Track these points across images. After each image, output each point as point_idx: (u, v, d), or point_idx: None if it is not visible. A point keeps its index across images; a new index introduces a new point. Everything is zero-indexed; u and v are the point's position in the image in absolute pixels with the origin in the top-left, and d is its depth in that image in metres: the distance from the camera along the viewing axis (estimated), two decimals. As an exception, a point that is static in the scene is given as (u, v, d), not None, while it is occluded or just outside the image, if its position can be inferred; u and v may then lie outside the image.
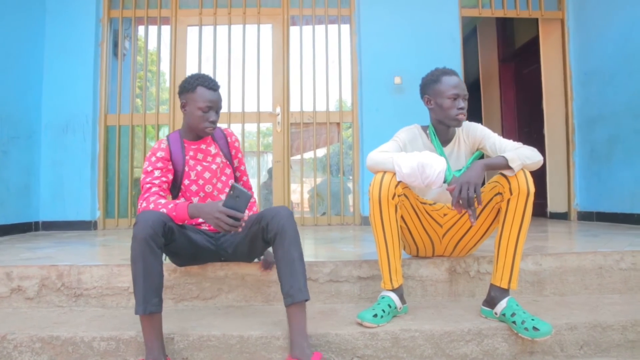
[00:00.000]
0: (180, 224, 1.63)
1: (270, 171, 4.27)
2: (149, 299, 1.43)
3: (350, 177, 4.15)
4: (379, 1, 4.03)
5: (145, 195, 1.65)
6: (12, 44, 3.50)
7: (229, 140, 1.94)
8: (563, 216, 4.25)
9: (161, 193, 1.69)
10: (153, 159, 1.74)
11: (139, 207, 1.64)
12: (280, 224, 1.54)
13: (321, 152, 4.25)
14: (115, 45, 4.18)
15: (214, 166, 1.84)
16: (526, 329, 1.51)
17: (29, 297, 1.87)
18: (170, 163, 1.77)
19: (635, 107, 3.48)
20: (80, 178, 3.82)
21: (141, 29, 4.28)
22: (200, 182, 1.81)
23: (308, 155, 4.28)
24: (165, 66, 4.20)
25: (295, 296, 1.48)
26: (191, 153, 1.82)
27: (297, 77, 4.16)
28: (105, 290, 1.88)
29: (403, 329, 1.58)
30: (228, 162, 1.90)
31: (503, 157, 1.60)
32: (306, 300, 1.49)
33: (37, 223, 3.77)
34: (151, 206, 1.59)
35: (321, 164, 4.26)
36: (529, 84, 4.94)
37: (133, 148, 4.06)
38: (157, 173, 1.71)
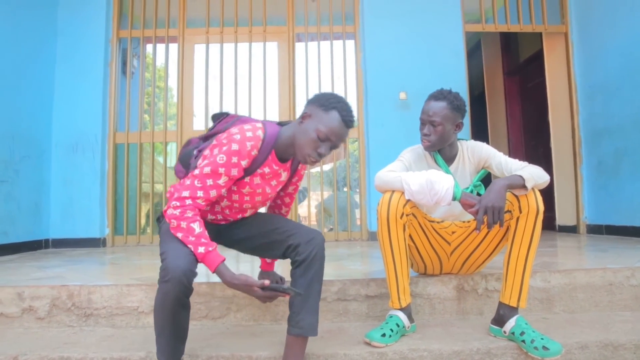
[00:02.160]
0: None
1: None
2: (176, 351, 1.38)
3: (357, 191, 4.16)
4: (383, 18, 4.08)
5: (186, 204, 1.36)
6: (24, 65, 3.58)
7: (295, 179, 1.72)
8: (572, 229, 4.22)
9: (205, 208, 1.48)
10: (234, 160, 1.40)
11: (170, 212, 1.37)
12: (313, 253, 1.45)
13: (327, 166, 4.27)
14: (124, 64, 4.26)
15: (268, 189, 1.57)
16: (536, 348, 1.50)
17: (39, 317, 1.89)
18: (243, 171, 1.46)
19: (642, 120, 3.48)
20: (89, 196, 3.86)
21: (149, 47, 4.36)
22: (247, 198, 1.54)
23: (314, 170, 4.30)
24: (172, 82, 4.27)
25: (305, 330, 1.45)
26: (267, 170, 1.51)
27: (303, 94, 4.20)
28: (114, 310, 1.89)
29: (411, 348, 1.58)
30: (280, 188, 1.66)
31: (520, 176, 1.60)
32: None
33: (47, 241, 3.81)
34: (182, 225, 1.34)
35: (328, 178, 4.27)
36: (534, 97, 4.95)
37: (141, 165, 4.11)
38: (222, 181, 1.40)
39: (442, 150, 1.87)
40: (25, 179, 3.55)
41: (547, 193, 3.87)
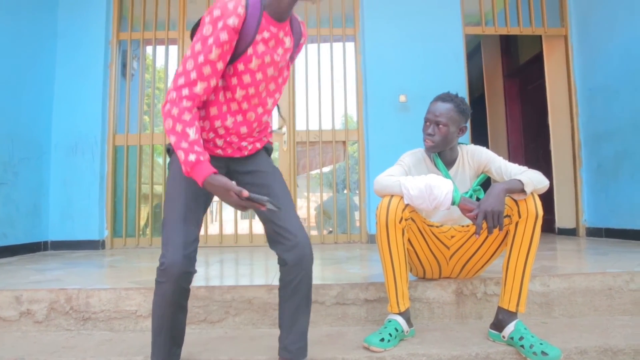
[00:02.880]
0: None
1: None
2: (171, 355, 1.37)
3: (357, 193, 4.15)
4: (383, 20, 4.09)
5: (182, 95, 1.26)
6: (24, 67, 3.58)
7: (302, 41, 1.53)
8: (571, 232, 4.22)
9: (203, 97, 1.31)
10: (220, 24, 1.26)
11: (167, 108, 1.27)
12: (299, 278, 1.42)
13: (327, 168, 4.27)
14: (124, 66, 4.26)
15: (277, 57, 1.39)
16: (535, 353, 1.49)
17: (37, 320, 1.88)
18: (236, 40, 1.31)
19: (641, 123, 3.48)
20: (88, 198, 3.86)
21: (149, 49, 4.36)
22: (259, 76, 1.37)
23: (314, 172, 4.30)
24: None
25: (294, 354, 1.43)
26: (266, 34, 1.35)
27: (303, 96, 4.20)
28: (113, 314, 1.89)
29: (410, 353, 1.57)
30: (286, 68, 1.48)
31: (519, 180, 1.59)
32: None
33: (46, 243, 3.80)
34: (177, 128, 1.24)
35: (327, 181, 4.27)
36: (534, 99, 4.96)
37: (141, 167, 4.11)
38: (213, 55, 1.27)
39: (442, 154, 1.87)
40: (24, 181, 3.55)
41: (547, 196, 3.86)
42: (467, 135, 3.91)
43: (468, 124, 1.91)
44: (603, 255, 2.68)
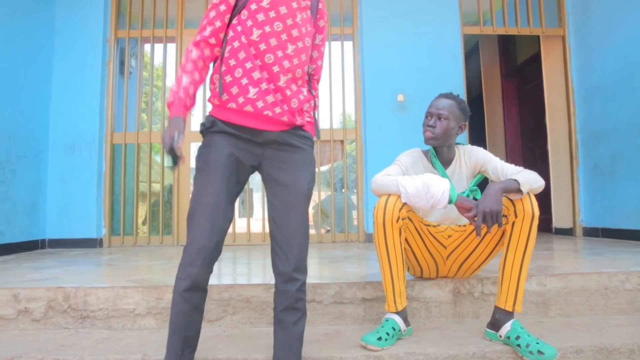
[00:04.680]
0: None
1: None
2: (184, 357, 1.36)
3: (355, 191, 4.16)
4: (382, 20, 4.09)
5: (194, 42, 1.42)
6: (21, 64, 3.57)
7: (320, 6, 1.54)
8: (568, 232, 4.24)
9: (209, 39, 1.40)
10: None
11: (182, 61, 1.42)
12: (298, 294, 1.41)
13: (325, 167, 4.28)
14: (122, 63, 4.25)
15: (294, 4, 1.42)
16: (531, 352, 1.50)
17: (35, 318, 1.88)
18: None
19: (637, 124, 3.49)
20: (86, 196, 3.85)
21: (147, 46, 4.35)
22: (272, 14, 1.39)
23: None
24: (170, 82, 4.27)
25: None
26: None
27: (301, 95, 4.19)
28: (111, 312, 1.89)
29: (407, 352, 1.58)
30: (310, 24, 1.48)
31: (515, 180, 1.61)
32: None
33: (43, 241, 3.80)
34: (179, 73, 1.39)
35: (325, 180, 4.28)
36: (531, 99, 4.97)
37: (138, 165, 4.10)
38: (222, 6, 1.41)
39: (440, 153, 1.88)
40: (21, 179, 3.54)
41: (544, 196, 3.89)
42: (465, 134, 3.92)
43: (467, 124, 1.92)
44: (599, 255, 2.70)
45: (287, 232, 1.41)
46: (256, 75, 1.36)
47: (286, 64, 1.39)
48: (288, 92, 1.39)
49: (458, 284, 1.96)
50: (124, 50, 4.23)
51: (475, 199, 1.78)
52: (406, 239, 1.76)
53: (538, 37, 4.47)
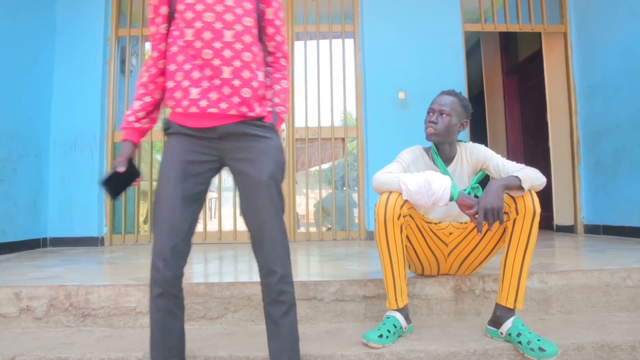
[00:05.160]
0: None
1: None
2: None
3: (356, 189, 4.16)
4: (383, 17, 4.08)
5: (146, 62, 1.46)
6: (23, 63, 3.58)
7: None
8: (569, 229, 4.23)
9: (153, 54, 1.42)
10: None
11: None
12: (280, 287, 1.40)
13: (326, 165, 4.28)
14: (123, 62, 4.25)
15: None
16: (532, 349, 1.50)
17: (37, 317, 1.89)
18: None
19: (639, 121, 3.48)
20: (87, 195, 3.86)
21: (148, 45, 4.34)
22: (199, 7, 1.32)
23: (313, 169, 4.31)
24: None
25: None
26: None
27: (302, 93, 4.20)
28: (112, 310, 1.89)
29: (408, 349, 1.58)
30: (251, 2, 1.40)
31: (516, 177, 1.60)
32: None
33: (45, 239, 3.81)
34: (138, 92, 1.45)
35: (326, 177, 4.28)
36: (533, 96, 4.96)
37: (140, 164, 4.11)
38: (151, 14, 1.41)
39: (441, 151, 1.88)
40: (23, 178, 3.55)
41: (545, 193, 3.88)
42: (467, 132, 3.91)
43: (468, 121, 1.92)
44: (601, 252, 2.69)
45: (256, 224, 1.37)
46: (195, 75, 1.32)
47: (227, 53, 1.32)
48: (237, 83, 1.32)
49: (459, 282, 1.96)
50: (124, 49, 4.23)
51: (476, 196, 1.78)
52: (407, 237, 1.76)
53: (539, 34, 4.46)
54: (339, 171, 4.25)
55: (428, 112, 1.86)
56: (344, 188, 4.18)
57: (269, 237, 1.37)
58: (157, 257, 1.31)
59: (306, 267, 2.59)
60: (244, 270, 2.47)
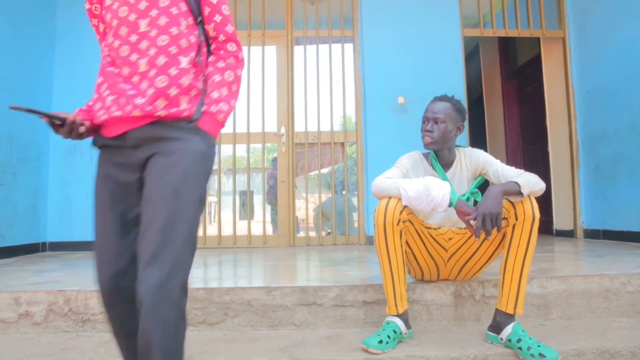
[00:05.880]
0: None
1: (274, 160, 4.26)
2: None
3: (355, 193, 4.16)
4: (382, 22, 4.10)
5: None
6: (23, 68, 3.58)
7: None
8: (569, 234, 4.23)
9: (103, 42, 1.26)
10: None
11: None
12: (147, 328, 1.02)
13: (325, 170, 4.28)
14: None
15: None
16: (532, 355, 1.50)
17: (36, 322, 1.88)
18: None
19: (638, 125, 3.49)
20: (87, 199, 3.84)
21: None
22: (115, 5, 1.20)
23: (313, 173, 4.31)
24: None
25: None
26: None
27: (302, 98, 4.21)
28: (111, 316, 1.89)
29: (408, 355, 1.58)
30: None
31: (516, 182, 1.61)
32: None
33: (44, 244, 3.80)
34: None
35: (326, 182, 4.28)
36: (532, 101, 4.97)
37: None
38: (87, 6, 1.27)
39: (440, 156, 1.88)
40: (22, 182, 3.54)
41: (545, 197, 3.87)
42: (466, 136, 3.92)
43: (465, 124, 1.93)
44: (600, 257, 2.69)
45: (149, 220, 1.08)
46: (114, 79, 1.17)
47: (144, 44, 1.16)
48: (152, 73, 1.14)
49: (459, 287, 1.96)
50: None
51: (475, 201, 1.78)
52: (407, 242, 1.76)
53: (538, 39, 4.48)
54: (339, 176, 4.25)
55: (423, 121, 1.86)
56: (344, 192, 4.19)
57: (157, 231, 1.07)
58: (99, 293, 1.16)
59: (306, 272, 2.59)
60: (244, 275, 2.47)
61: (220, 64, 1.24)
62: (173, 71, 1.15)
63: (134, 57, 1.15)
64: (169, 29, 1.17)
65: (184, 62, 1.17)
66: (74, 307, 1.89)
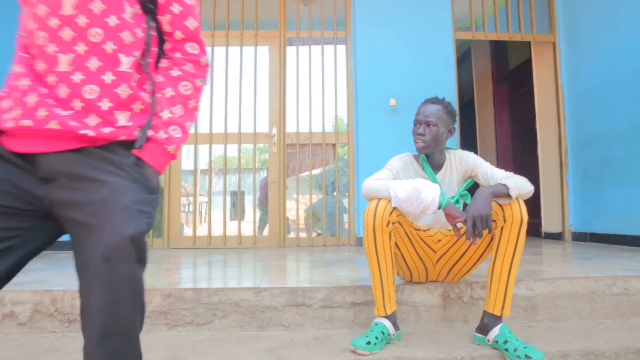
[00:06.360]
0: None
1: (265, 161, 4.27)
2: None
3: (346, 195, 4.17)
4: (375, 24, 4.11)
5: None
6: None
7: None
8: (557, 236, 4.28)
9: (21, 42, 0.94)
10: None
11: None
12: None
13: (317, 171, 4.28)
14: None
15: None
16: (519, 356, 1.51)
17: (21, 322, 1.86)
18: None
19: (625, 130, 3.54)
20: (76, 198, 3.82)
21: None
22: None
23: (304, 174, 4.31)
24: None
25: None
26: None
27: (294, 98, 4.21)
28: (98, 316, 1.87)
29: (396, 356, 1.58)
30: None
31: (504, 185, 1.62)
32: None
33: (31, 243, 3.75)
34: None
35: (317, 183, 4.28)
36: (522, 104, 5.02)
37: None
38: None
39: (430, 158, 1.89)
40: (10, 180, 3.49)
41: (534, 200, 3.91)
42: (457, 139, 3.95)
43: (457, 126, 1.94)
44: (587, 260, 2.72)
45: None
46: (23, 79, 0.88)
47: (67, 34, 0.87)
48: (77, 78, 0.87)
49: (447, 288, 1.97)
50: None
51: (465, 203, 1.79)
52: (396, 243, 1.76)
53: (529, 43, 4.52)
54: (330, 177, 4.26)
55: (415, 124, 1.87)
56: (335, 194, 4.19)
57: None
58: None
59: (296, 273, 2.58)
60: (233, 276, 2.46)
61: (175, 72, 0.96)
62: (108, 77, 0.88)
63: (51, 48, 0.86)
64: (106, 18, 0.88)
65: (125, 63, 0.89)
66: (60, 307, 1.87)
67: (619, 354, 1.62)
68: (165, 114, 0.92)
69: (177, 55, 0.98)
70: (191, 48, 0.98)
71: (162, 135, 0.91)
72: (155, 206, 0.91)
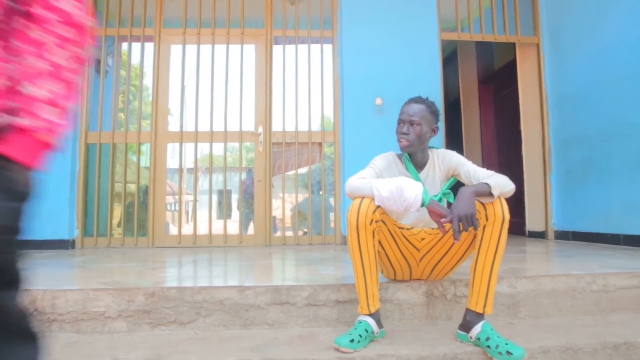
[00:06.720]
0: None
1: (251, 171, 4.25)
2: None
3: (332, 193, 4.17)
4: (361, 23, 4.12)
5: None
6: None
7: None
8: (541, 235, 4.34)
9: None
10: None
11: None
12: None
13: (303, 170, 4.28)
14: (98, 62, 4.17)
15: None
16: (500, 353, 1.53)
17: None
18: None
19: (606, 131, 3.60)
20: (59, 196, 3.76)
21: (124, 45, 4.28)
22: None
23: (290, 172, 4.30)
24: (148, 81, 4.21)
25: None
26: None
27: (280, 97, 4.20)
28: (80, 315, 1.85)
29: (380, 354, 1.59)
30: None
31: (486, 184, 1.64)
32: None
33: (12, 242, 3.68)
34: None
35: (303, 182, 4.28)
36: (507, 105, 5.07)
37: (114, 165, 4.03)
38: None
39: (413, 157, 1.90)
40: (-10, 178, 3.42)
41: (518, 199, 3.97)
42: (442, 139, 3.98)
43: (441, 125, 1.95)
44: (568, 258, 2.77)
45: None
46: None
47: None
48: None
49: (431, 286, 1.98)
50: (100, 48, 4.15)
51: (448, 202, 1.81)
52: (380, 242, 1.77)
53: (514, 44, 4.57)
54: (316, 175, 4.26)
55: (398, 123, 1.88)
56: (321, 192, 4.19)
57: None
58: None
59: (281, 272, 2.58)
60: (218, 275, 2.45)
61: (37, 34, 0.68)
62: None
63: None
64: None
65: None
66: (40, 306, 1.84)
67: (597, 349, 1.65)
68: (31, 90, 0.68)
69: (44, 12, 0.69)
70: (52, 26, 0.68)
71: (28, 121, 0.68)
72: (27, 215, 0.70)
